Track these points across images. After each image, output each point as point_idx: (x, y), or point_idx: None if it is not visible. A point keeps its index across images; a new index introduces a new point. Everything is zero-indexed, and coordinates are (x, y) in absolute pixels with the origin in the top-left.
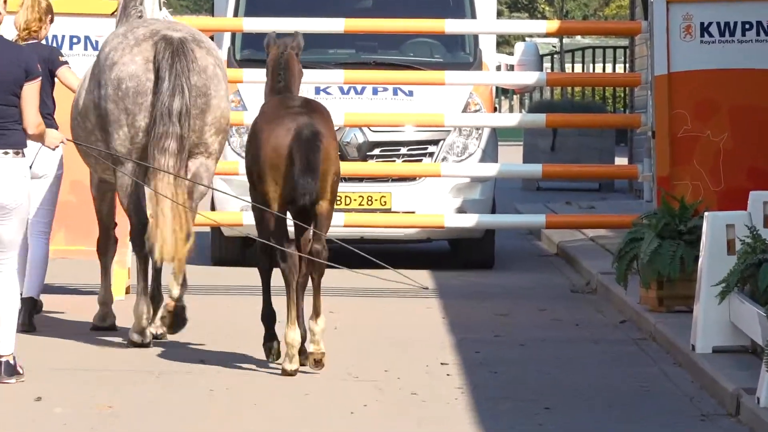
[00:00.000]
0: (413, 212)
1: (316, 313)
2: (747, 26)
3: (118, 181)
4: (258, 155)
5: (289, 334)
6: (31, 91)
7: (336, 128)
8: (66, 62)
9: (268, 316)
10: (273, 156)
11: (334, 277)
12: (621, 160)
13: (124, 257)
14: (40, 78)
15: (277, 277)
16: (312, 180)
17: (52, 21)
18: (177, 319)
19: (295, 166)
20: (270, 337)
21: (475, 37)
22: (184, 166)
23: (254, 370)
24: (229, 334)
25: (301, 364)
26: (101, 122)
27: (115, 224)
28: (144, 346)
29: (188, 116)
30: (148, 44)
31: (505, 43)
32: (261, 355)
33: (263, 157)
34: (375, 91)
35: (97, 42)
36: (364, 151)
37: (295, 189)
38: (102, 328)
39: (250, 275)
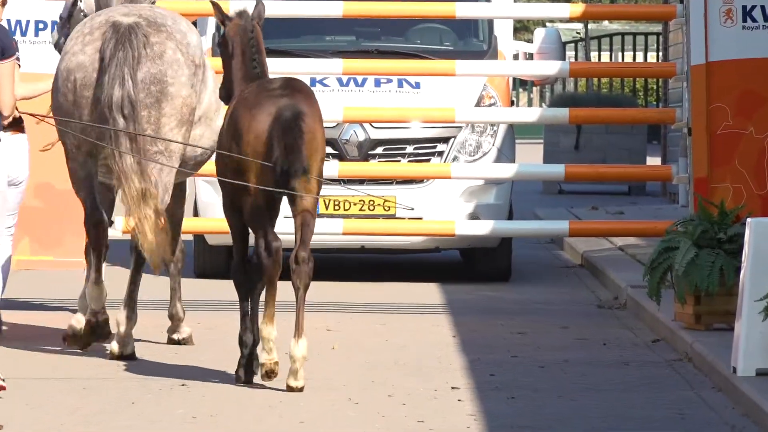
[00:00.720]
0: (420, 218)
1: (298, 333)
2: None
3: (75, 173)
4: (239, 145)
5: (264, 329)
6: (5, 70)
7: (334, 124)
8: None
9: (247, 338)
10: (255, 143)
11: (331, 291)
12: (653, 160)
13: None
14: (15, 56)
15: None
16: (298, 160)
17: (5, 4)
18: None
19: (276, 150)
20: (248, 366)
21: (490, 23)
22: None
23: (242, 394)
24: (215, 354)
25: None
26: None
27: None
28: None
29: (133, 107)
30: (100, 32)
31: (523, 28)
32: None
33: (244, 146)
34: (377, 83)
35: None
36: (365, 150)
37: (280, 174)
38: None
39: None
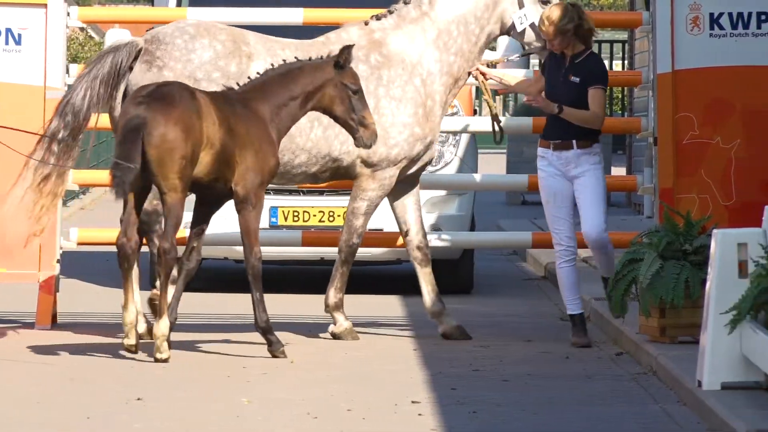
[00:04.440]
0: (381, 229)
1: (159, 313)
2: (763, 17)
3: None
4: None
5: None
6: None
7: None
8: None
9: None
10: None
11: (290, 304)
12: (618, 170)
13: (51, 282)
14: None
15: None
16: (120, 170)
17: None
18: None
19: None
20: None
21: None
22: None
23: (198, 407)
24: (169, 368)
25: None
26: None
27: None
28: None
29: (74, 116)
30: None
31: None
32: (209, 393)
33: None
34: None
35: (20, 35)
36: None
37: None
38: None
39: (196, 301)
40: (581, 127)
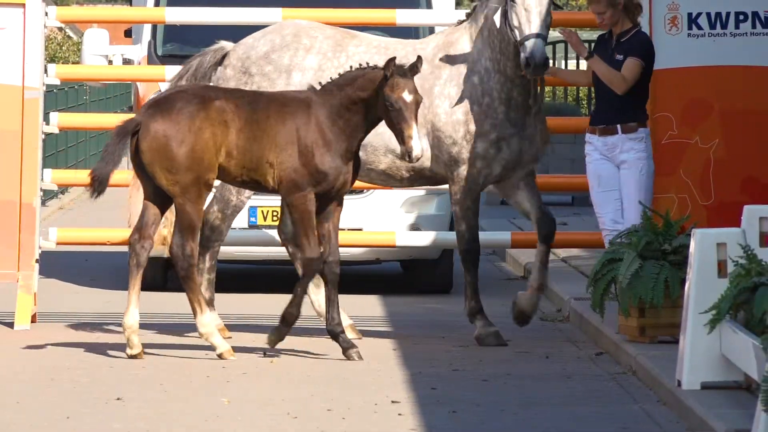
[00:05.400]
0: (360, 229)
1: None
2: (741, 17)
3: None
4: None
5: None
6: None
7: None
8: None
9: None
10: None
11: (270, 304)
12: None
13: (29, 281)
14: None
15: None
16: (98, 168)
17: None
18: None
19: None
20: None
21: (431, 30)
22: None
23: (178, 408)
24: (149, 368)
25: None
26: None
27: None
28: None
29: None
30: None
31: None
32: (189, 393)
33: None
34: None
35: None
36: None
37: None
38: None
39: (174, 302)
40: (625, 112)
